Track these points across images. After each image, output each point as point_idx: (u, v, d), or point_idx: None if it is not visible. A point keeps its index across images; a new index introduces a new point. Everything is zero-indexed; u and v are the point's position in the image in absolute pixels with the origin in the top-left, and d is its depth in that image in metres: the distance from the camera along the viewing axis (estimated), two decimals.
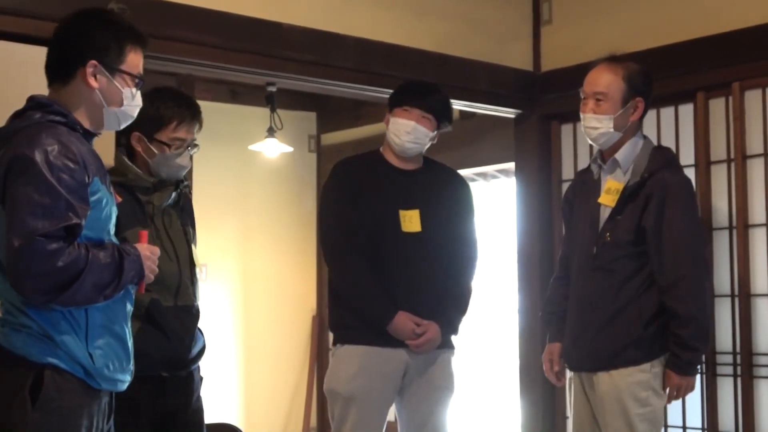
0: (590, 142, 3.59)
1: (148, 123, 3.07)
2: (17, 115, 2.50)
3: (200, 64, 3.94)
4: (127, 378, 2.56)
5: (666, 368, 3.42)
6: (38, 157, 2.32)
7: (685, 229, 3.41)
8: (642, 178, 3.41)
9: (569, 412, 3.74)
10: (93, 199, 2.42)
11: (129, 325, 2.57)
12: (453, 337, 3.70)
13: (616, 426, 3.40)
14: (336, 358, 3.60)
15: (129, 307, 2.58)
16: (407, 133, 3.56)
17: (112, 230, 2.55)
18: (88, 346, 2.43)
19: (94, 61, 2.49)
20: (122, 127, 2.65)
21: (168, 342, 3.04)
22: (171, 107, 3.16)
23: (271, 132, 6.37)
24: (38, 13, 3.44)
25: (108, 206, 2.49)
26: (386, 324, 3.48)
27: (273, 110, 6.28)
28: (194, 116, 3.20)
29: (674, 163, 3.58)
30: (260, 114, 6.44)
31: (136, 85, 2.59)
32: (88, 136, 2.54)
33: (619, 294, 3.43)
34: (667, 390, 3.44)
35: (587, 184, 3.62)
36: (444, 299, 3.61)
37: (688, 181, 3.55)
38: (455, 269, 3.66)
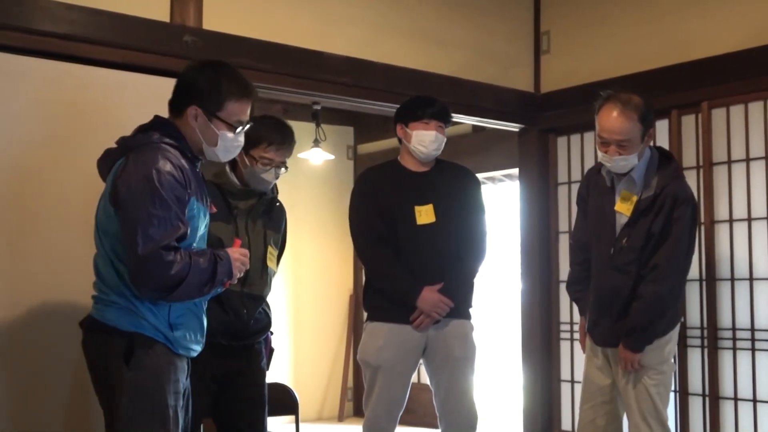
0: (617, 171, 3.31)
1: (248, 141, 2.95)
2: (142, 130, 2.51)
3: (257, 86, 3.82)
4: (199, 348, 2.58)
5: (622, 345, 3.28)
6: (154, 176, 2.34)
7: (683, 241, 3.26)
8: (655, 194, 3.23)
9: (572, 375, 3.65)
10: (187, 216, 2.43)
11: (205, 306, 2.59)
12: (469, 310, 3.56)
13: (639, 388, 3.30)
14: (367, 332, 3.54)
15: None
16: (432, 142, 3.48)
17: (202, 242, 2.55)
18: (170, 319, 2.45)
19: (195, 106, 2.50)
20: (224, 160, 2.65)
21: (226, 317, 3.03)
22: (268, 131, 3.11)
23: (316, 143, 6.41)
24: (130, 45, 3.52)
25: (198, 222, 2.49)
26: (415, 298, 3.40)
27: (318, 125, 6.31)
28: (283, 141, 3.14)
29: (679, 174, 3.37)
30: (307, 128, 6.46)
31: (234, 130, 2.55)
32: (195, 159, 2.54)
33: (633, 289, 3.29)
34: (621, 363, 3.29)
35: (599, 186, 3.42)
36: (453, 278, 3.46)
37: (692, 195, 3.34)
38: (464, 253, 3.51)
